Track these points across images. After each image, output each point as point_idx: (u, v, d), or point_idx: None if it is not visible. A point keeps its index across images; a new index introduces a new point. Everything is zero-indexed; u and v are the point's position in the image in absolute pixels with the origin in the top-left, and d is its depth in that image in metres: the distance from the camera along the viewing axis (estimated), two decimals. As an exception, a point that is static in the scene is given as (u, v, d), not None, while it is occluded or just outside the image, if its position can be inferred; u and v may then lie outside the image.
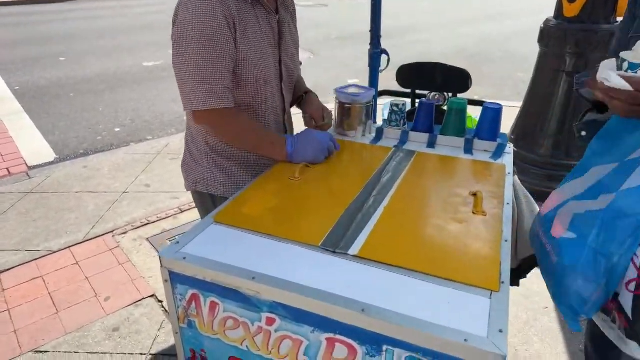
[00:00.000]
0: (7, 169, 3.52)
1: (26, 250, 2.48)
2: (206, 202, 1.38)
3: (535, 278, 2.22)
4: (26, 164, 3.59)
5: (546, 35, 2.84)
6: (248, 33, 1.19)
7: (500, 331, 0.69)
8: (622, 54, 0.85)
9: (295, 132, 1.35)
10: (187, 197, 3.01)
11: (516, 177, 1.60)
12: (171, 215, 2.81)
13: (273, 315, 0.80)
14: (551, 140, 2.95)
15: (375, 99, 1.70)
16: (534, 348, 1.90)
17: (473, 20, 10.82)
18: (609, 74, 0.84)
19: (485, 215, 1.00)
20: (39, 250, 2.48)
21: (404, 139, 1.43)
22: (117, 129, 4.37)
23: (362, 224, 0.96)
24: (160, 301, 2.14)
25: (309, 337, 0.79)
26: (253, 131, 1.23)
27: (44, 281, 2.26)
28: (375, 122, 1.57)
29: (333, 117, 1.51)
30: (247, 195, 1.11)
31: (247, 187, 1.15)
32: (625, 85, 0.81)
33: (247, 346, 0.87)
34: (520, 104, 3.27)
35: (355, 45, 7.81)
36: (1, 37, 8.33)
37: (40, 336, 1.94)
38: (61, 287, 2.22)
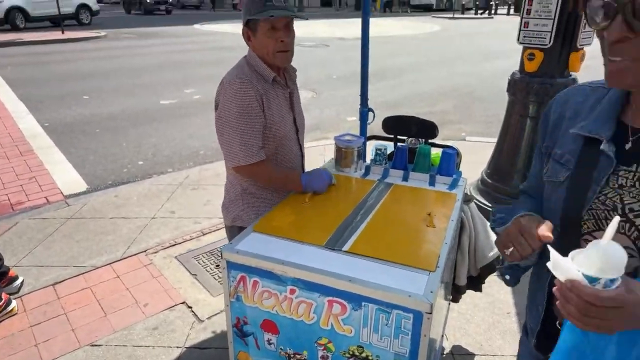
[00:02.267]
0: (45, 197, 4.01)
1: (74, 266, 2.94)
2: (235, 233, 1.85)
3: (500, 288, 2.69)
4: (62, 194, 4.08)
5: (512, 86, 3.39)
6: (272, 105, 1.70)
7: (431, 292, 1.16)
8: (574, 258, 0.71)
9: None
10: (208, 222, 3.49)
11: (473, 203, 2.09)
12: (195, 238, 3.28)
13: (294, 287, 1.27)
14: (519, 175, 3.45)
15: (364, 143, 2.20)
16: (496, 344, 2.32)
17: (467, 60, 11.55)
18: (566, 268, 0.70)
19: (435, 228, 1.48)
20: (84, 266, 2.93)
21: (385, 174, 1.93)
22: (140, 162, 4.89)
23: (352, 232, 1.44)
24: (190, 307, 2.58)
25: (317, 300, 1.25)
26: (278, 174, 1.73)
27: (92, 291, 2.71)
28: (365, 161, 2.07)
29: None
30: (274, 214, 1.59)
31: (273, 208, 1.64)
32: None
33: (276, 310, 1.33)
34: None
35: (355, 84, 8.44)
36: (29, 75, 8.99)
37: (94, 333, 2.38)
38: (106, 295, 2.67)
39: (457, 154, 2.14)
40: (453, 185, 1.83)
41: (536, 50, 3.11)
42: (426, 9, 32.98)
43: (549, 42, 3.01)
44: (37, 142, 5.33)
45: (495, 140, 3.72)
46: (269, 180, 1.73)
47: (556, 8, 2.92)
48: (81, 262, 2.98)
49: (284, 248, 1.36)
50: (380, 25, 21.06)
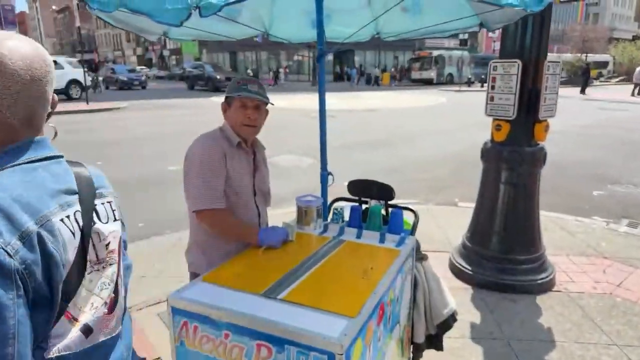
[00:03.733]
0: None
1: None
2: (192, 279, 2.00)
3: (473, 350, 2.71)
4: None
5: (485, 154, 3.59)
6: (234, 163, 1.91)
7: (345, 335, 1.27)
8: None
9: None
10: (194, 281, 3.61)
11: (428, 262, 2.21)
12: (179, 296, 3.39)
13: (228, 331, 1.39)
14: (497, 238, 3.54)
15: (324, 205, 2.38)
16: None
17: (467, 130, 11.94)
18: None
19: (369, 279, 1.60)
20: (70, 321, 3.04)
21: (341, 232, 2.08)
22: (140, 224, 5.10)
23: (292, 282, 1.57)
24: (164, 363, 2.64)
25: (247, 344, 1.36)
26: (235, 224, 1.90)
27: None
28: (325, 221, 2.23)
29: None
30: (227, 265, 1.74)
31: (227, 260, 1.79)
32: None
33: (214, 355, 1.44)
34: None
35: (354, 152, 8.80)
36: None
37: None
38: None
39: (415, 215, 2.30)
40: (400, 242, 1.96)
41: (502, 121, 3.34)
42: (426, 82, 34.42)
43: (513, 114, 3.25)
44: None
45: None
46: (227, 229, 1.89)
47: (516, 84, 3.19)
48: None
49: (225, 296, 1.49)
50: (388, 98, 22.02)
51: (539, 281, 3.44)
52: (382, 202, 2.36)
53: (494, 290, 3.43)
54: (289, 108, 16.63)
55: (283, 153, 8.66)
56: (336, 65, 39.88)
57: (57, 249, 0.85)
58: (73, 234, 0.90)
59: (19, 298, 0.77)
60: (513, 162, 3.37)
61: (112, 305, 1.01)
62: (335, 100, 20.85)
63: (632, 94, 22.46)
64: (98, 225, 0.98)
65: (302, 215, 2.14)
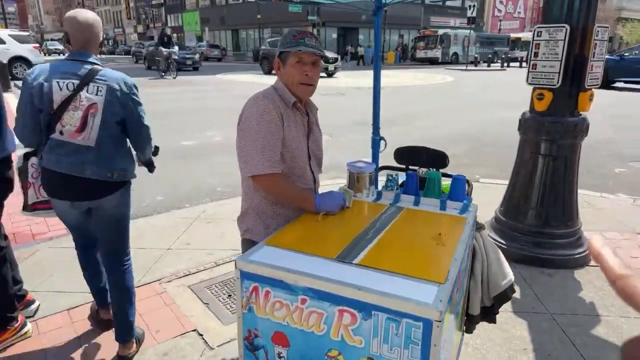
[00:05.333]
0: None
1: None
2: (247, 247, 1.89)
3: (515, 323, 2.64)
4: (82, 225, 4.18)
5: (524, 125, 3.46)
6: (290, 125, 1.79)
7: (440, 301, 1.17)
8: None
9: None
10: (222, 254, 3.53)
11: (485, 231, 2.11)
12: (208, 268, 3.31)
13: (305, 297, 1.30)
14: (534, 212, 3.44)
15: (376, 171, 2.27)
16: (512, 380, 2.25)
17: (477, 108, 11.75)
18: None
19: (444, 246, 1.50)
20: (99, 293, 2.97)
21: (396, 199, 1.97)
22: (159, 198, 5.01)
23: (362, 247, 1.47)
24: (201, 335, 2.57)
25: (327, 310, 1.27)
26: (292, 189, 1.79)
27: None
28: (377, 189, 2.12)
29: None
30: (286, 230, 1.64)
31: (285, 226, 1.69)
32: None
33: (287, 321, 1.35)
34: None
35: (368, 130, 8.64)
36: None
37: (105, 357, 2.38)
38: (119, 321, 2.68)
39: (468, 182, 2.19)
40: (464, 210, 1.86)
41: (545, 90, 3.20)
42: (432, 62, 33.92)
43: (558, 83, 3.10)
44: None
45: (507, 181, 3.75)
46: (284, 194, 1.78)
47: (563, 50, 3.04)
48: (96, 289, 3.02)
49: (295, 259, 1.39)
50: (395, 77, 21.69)
51: (576, 256, 3.35)
52: (432, 169, 2.25)
53: (530, 265, 3.35)
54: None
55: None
56: (339, 44, 39.27)
57: (49, 90, 1.96)
58: (60, 89, 1.97)
59: (30, 98, 1.97)
60: (554, 133, 3.25)
61: (80, 128, 2.01)
62: (344, 77, 20.54)
63: None
64: (82, 93, 1.99)
65: (354, 181, 2.03)
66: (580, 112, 3.29)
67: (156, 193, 5.12)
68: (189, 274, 3.22)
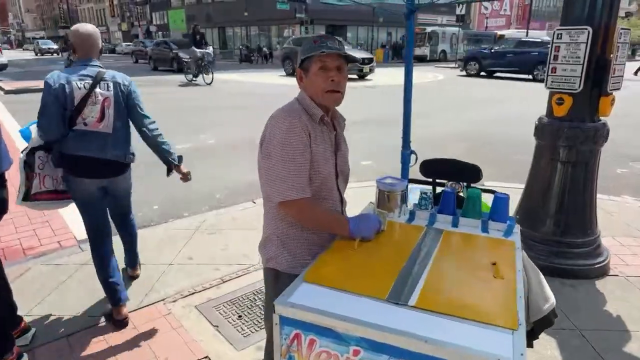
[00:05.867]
0: (58, 242, 3.89)
1: (89, 316, 2.78)
2: (270, 276, 1.72)
3: (546, 342, 2.51)
4: (75, 238, 3.96)
5: (541, 130, 3.33)
6: (318, 143, 1.62)
7: (522, 355, 1.02)
8: None
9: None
10: (228, 269, 3.34)
11: (524, 252, 1.96)
12: (214, 285, 3.13)
13: (358, 347, 1.13)
14: (552, 220, 3.32)
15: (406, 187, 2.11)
16: (550, 406, 2.11)
17: (471, 107, 11.69)
18: None
19: (503, 279, 1.35)
20: (99, 316, 2.77)
21: (432, 220, 1.82)
22: (155, 207, 4.79)
23: (413, 284, 1.32)
24: (213, 362, 2.39)
25: (385, 363, 1.11)
26: (324, 214, 1.62)
27: (107, 344, 2.53)
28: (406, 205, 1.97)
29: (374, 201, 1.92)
30: (322, 262, 1.47)
31: (319, 256, 1.52)
32: None
33: (335, 374, 1.18)
34: (520, 184, 3.67)
35: (365, 129, 8.49)
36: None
37: (110, 392, 2.19)
38: (123, 349, 2.49)
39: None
40: (509, 232, 1.71)
41: (565, 95, 3.08)
42: (420, 59, 33.83)
43: (579, 87, 2.98)
44: (50, 185, 5.26)
45: (512, 185, 3.63)
46: (315, 220, 1.61)
47: (585, 53, 2.91)
48: (97, 311, 2.82)
49: (342, 301, 1.23)
50: (387, 75, 21.58)
51: (596, 265, 3.24)
52: (464, 184, 2.10)
53: (548, 275, 3.21)
54: (290, 84, 16.18)
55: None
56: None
57: (70, 90, 2.38)
58: (80, 88, 2.39)
59: (55, 98, 2.36)
60: (574, 139, 3.12)
61: (100, 118, 2.47)
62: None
63: (635, 73, 20.46)
64: (96, 89, 2.44)
65: (385, 200, 1.88)
66: (600, 117, 3.18)
67: (152, 201, 4.91)
68: (195, 292, 3.04)
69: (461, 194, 2.11)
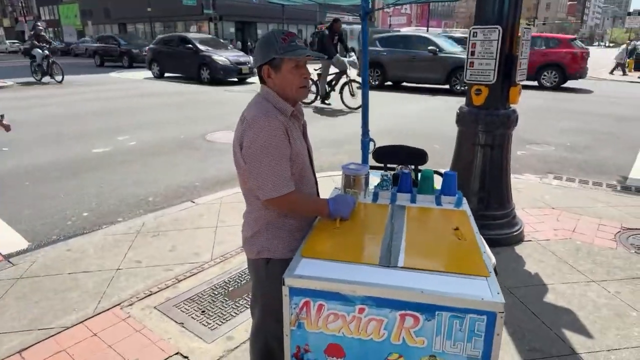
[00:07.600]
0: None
1: (38, 329, 2.63)
2: (261, 266, 1.83)
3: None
4: (1, 254, 3.65)
5: (462, 118, 3.75)
6: (295, 137, 1.75)
7: (498, 293, 1.26)
8: None
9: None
10: (180, 268, 3.33)
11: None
12: (170, 285, 3.10)
13: (363, 306, 1.31)
14: (476, 197, 3.76)
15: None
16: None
17: (385, 104, 12.39)
18: None
19: (467, 240, 1.61)
20: (52, 328, 2.64)
21: (394, 199, 2.04)
22: (85, 214, 4.54)
23: (396, 249, 1.52)
24: (186, 357, 2.42)
25: (388, 316, 1.30)
26: (307, 202, 1.77)
27: (68, 354, 2.43)
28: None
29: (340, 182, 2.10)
30: (313, 240, 1.62)
31: (308, 236, 1.66)
32: None
33: (343, 332, 1.34)
34: (441, 170, 4.09)
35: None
36: None
37: (82, 400, 2.13)
38: (87, 357, 2.41)
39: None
40: (459, 203, 1.99)
41: (482, 86, 3.51)
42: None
43: (493, 79, 3.42)
44: (-45, 199, 4.74)
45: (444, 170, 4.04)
46: (300, 208, 1.75)
47: (497, 49, 3.35)
48: (46, 323, 2.68)
49: (342, 269, 1.39)
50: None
51: (515, 233, 3.74)
52: (412, 167, 2.36)
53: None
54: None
55: (221, 129, 8.24)
56: (238, 38, 38.52)
57: None
58: None
59: None
60: (491, 125, 3.58)
61: None
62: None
63: (611, 72, 21.11)
64: None
65: (350, 183, 2.06)
66: (510, 105, 3.66)
67: (80, 209, 4.64)
68: (151, 294, 3.00)
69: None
